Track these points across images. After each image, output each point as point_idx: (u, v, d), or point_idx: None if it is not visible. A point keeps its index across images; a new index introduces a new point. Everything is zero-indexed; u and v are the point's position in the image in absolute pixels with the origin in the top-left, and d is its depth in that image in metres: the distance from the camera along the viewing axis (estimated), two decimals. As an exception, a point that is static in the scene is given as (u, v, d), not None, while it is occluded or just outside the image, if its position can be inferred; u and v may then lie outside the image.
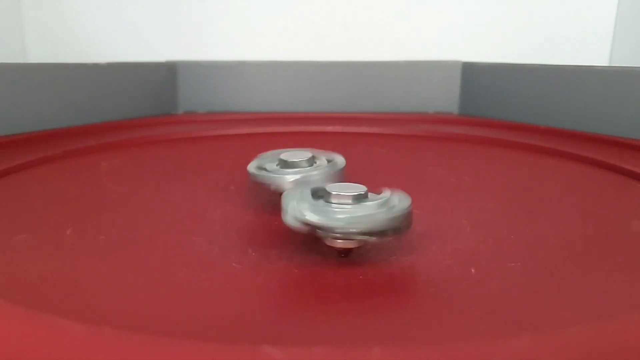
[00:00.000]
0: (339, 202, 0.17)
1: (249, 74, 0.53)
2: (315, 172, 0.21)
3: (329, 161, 0.23)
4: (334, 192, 0.17)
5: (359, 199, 0.17)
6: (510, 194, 0.27)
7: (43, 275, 0.16)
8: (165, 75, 0.52)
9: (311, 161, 0.22)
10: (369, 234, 0.16)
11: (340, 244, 0.17)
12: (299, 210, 0.16)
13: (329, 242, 0.17)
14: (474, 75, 0.52)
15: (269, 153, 0.24)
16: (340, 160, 0.23)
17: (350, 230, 0.16)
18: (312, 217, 0.16)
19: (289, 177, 0.21)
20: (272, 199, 0.23)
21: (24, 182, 0.27)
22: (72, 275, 0.16)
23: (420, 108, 0.53)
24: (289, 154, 0.23)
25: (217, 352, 0.10)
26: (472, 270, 0.17)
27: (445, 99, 0.53)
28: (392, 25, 0.55)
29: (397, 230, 0.16)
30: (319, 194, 0.18)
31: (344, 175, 0.22)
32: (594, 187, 0.29)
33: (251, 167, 0.23)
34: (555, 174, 0.31)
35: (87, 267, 0.17)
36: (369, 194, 0.18)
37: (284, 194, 0.18)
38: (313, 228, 0.16)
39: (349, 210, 0.16)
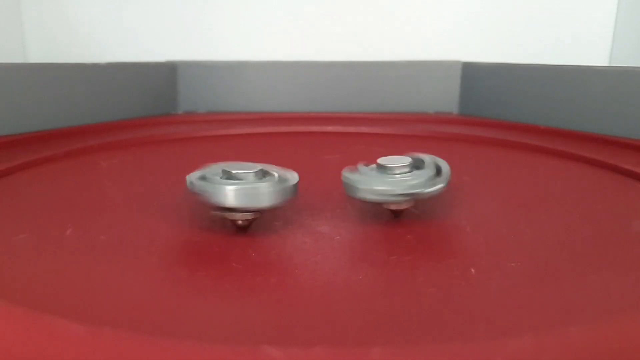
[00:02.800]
0: (400, 172, 0.20)
1: (249, 74, 0.53)
2: (263, 185, 0.19)
3: (280, 176, 0.20)
4: (389, 165, 0.20)
5: (413, 166, 0.21)
6: (510, 194, 0.27)
7: (43, 275, 0.16)
8: (165, 75, 0.52)
9: (260, 174, 0.20)
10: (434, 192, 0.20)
11: (395, 206, 0.21)
12: (372, 184, 0.20)
13: (385, 206, 0.21)
14: (474, 75, 0.52)
15: (214, 165, 0.21)
16: (293, 176, 0.20)
17: (425, 192, 0.20)
18: (387, 187, 0.19)
19: (231, 189, 0.18)
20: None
21: (24, 182, 0.27)
22: (72, 275, 0.16)
23: (420, 108, 0.53)
24: (235, 166, 0.20)
25: (217, 352, 0.10)
26: (472, 270, 0.17)
27: (445, 99, 0.53)
28: (392, 25, 0.55)
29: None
30: (371, 168, 0.21)
31: (296, 192, 0.20)
32: (594, 187, 0.29)
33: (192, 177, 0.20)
34: (555, 174, 0.31)
35: (87, 267, 0.17)
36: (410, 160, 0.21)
37: (344, 173, 0.20)
38: (388, 196, 0.20)
39: (414, 176, 0.20)
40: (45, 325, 0.11)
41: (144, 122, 0.46)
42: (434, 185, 0.20)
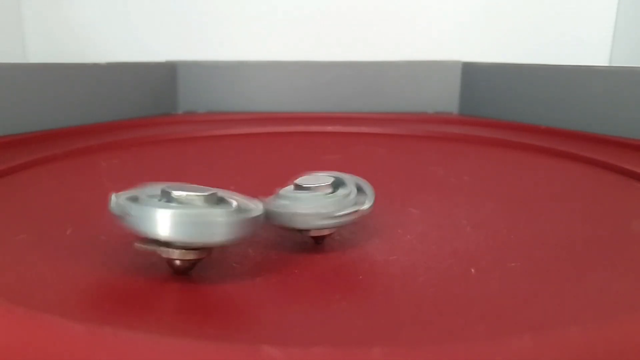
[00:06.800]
0: (319, 194, 0.18)
1: (249, 74, 0.53)
2: (213, 212, 0.15)
3: (240, 205, 0.16)
4: (307, 185, 0.18)
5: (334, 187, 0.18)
6: (510, 194, 0.27)
7: (43, 275, 0.16)
8: (165, 75, 0.52)
9: (211, 200, 0.16)
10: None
11: (315, 232, 0.18)
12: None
13: (305, 232, 0.18)
14: (474, 75, 0.52)
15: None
16: (256, 206, 0.16)
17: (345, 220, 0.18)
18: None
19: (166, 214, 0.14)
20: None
21: (24, 182, 0.27)
22: (72, 276, 0.16)
23: (420, 108, 0.53)
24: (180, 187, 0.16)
25: (217, 352, 0.10)
26: (472, 270, 0.17)
27: (445, 99, 0.53)
28: (392, 25, 0.55)
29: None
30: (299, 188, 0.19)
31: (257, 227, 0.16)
32: (594, 187, 0.29)
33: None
34: (555, 174, 0.31)
35: (87, 267, 0.17)
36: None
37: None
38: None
39: (334, 201, 0.18)
40: (45, 325, 0.11)
41: (144, 122, 0.46)
42: (362, 205, 0.18)
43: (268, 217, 0.17)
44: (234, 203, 0.16)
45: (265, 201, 0.17)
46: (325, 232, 0.18)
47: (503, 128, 0.45)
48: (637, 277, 0.16)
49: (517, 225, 0.21)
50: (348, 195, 0.18)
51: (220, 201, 0.16)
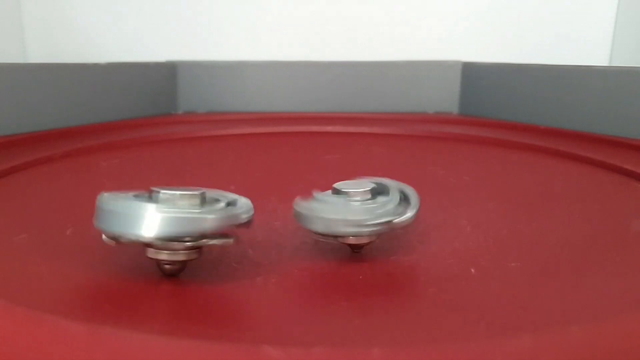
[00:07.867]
0: (362, 199, 0.17)
1: (249, 74, 0.53)
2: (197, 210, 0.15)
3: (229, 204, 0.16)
4: (348, 190, 0.17)
5: (376, 193, 0.18)
6: (510, 194, 0.27)
7: (43, 275, 0.16)
8: (165, 75, 0.52)
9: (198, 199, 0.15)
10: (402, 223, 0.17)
11: (353, 240, 0.17)
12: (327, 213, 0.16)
13: (341, 240, 0.17)
14: (474, 75, 0.52)
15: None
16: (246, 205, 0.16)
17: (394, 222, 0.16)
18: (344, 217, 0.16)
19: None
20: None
21: (24, 182, 0.27)
22: (72, 276, 0.16)
23: (420, 108, 0.53)
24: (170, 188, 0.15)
25: (217, 352, 0.10)
26: (472, 270, 0.17)
27: (445, 99, 0.53)
28: (392, 25, 0.55)
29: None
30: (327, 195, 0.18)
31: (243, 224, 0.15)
32: (594, 187, 0.29)
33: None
34: (555, 174, 0.31)
35: (87, 267, 0.17)
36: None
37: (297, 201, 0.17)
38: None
39: (380, 205, 0.17)
40: (45, 325, 0.11)
41: (144, 122, 0.46)
42: (402, 214, 0.17)
43: (297, 219, 0.17)
44: (222, 202, 0.16)
45: (299, 203, 0.17)
46: (364, 241, 0.17)
47: (503, 128, 0.45)
48: (637, 277, 0.16)
49: (517, 225, 0.21)
50: (387, 203, 0.17)
51: (210, 200, 0.16)
